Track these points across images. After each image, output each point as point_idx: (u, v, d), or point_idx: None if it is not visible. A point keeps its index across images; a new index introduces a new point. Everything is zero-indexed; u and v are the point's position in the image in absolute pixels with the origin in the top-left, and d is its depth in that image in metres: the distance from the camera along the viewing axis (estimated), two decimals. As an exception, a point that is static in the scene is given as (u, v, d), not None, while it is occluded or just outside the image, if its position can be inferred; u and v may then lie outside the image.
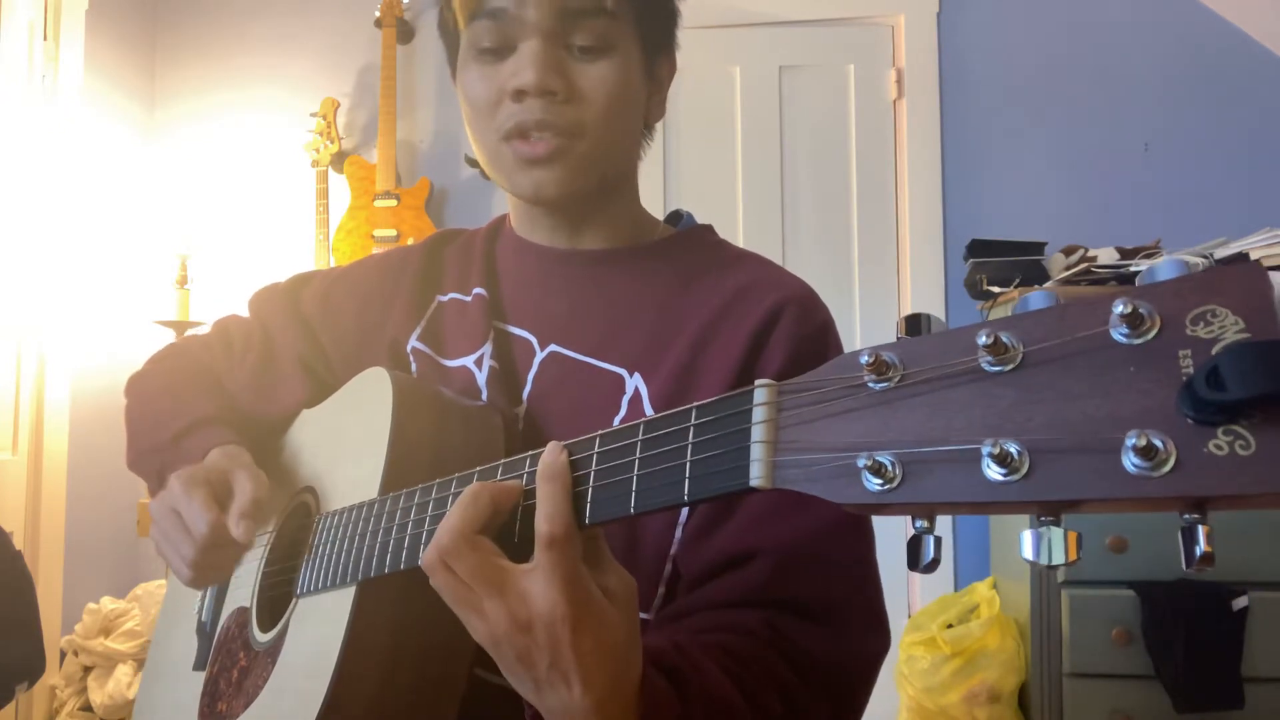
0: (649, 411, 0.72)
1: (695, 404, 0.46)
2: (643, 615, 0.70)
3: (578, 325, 0.79)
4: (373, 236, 2.63)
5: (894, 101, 2.65)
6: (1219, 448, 0.31)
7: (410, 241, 2.48)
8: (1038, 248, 2.31)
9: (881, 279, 2.63)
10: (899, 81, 2.64)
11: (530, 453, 0.54)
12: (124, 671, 2.33)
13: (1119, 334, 0.34)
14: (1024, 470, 0.34)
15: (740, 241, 1.80)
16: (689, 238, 0.84)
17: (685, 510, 0.71)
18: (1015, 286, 2.19)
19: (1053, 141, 2.56)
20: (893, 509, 0.37)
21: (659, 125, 0.84)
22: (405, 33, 2.76)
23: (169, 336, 2.51)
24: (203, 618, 0.86)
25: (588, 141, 0.73)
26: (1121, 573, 1.85)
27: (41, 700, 2.40)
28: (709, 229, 0.86)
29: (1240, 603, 1.80)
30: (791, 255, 2.62)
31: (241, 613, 0.80)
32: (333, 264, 2.60)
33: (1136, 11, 2.55)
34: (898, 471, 0.37)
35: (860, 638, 0.68)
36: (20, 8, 2.35)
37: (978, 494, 0.35)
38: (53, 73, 2.47)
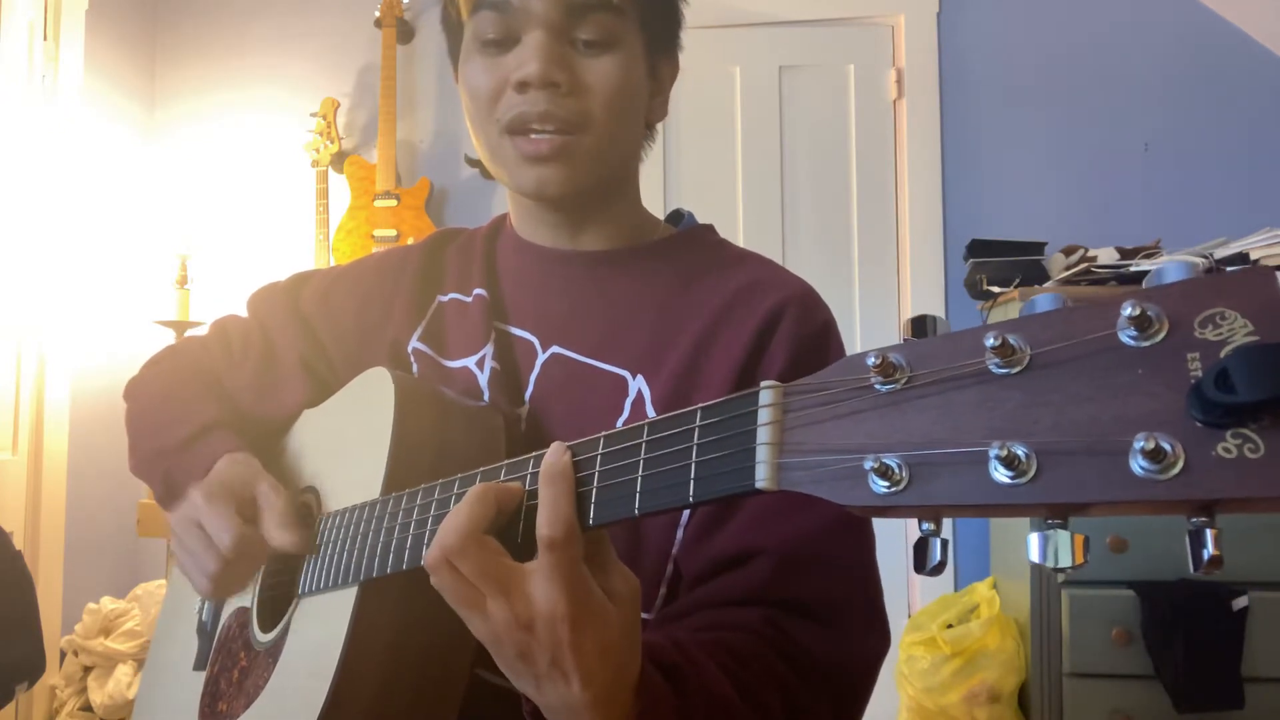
0: (651, 413, 0.72)
1: (700, 405, 0.46)
2: (644, 615, 0.70)
3: (579, 326, 0.78)
4: (373, 236, 2.63)
5: (894, 101, 2.65)
6: (1228, 451, 0.31)
7: (410, 241, 2.47)
8: (1038, 248, 2.31)
9: (881, 279, 2.62)
10: (899, 81, 2.63)
11: (534, 454, 0.54)
12: (124, 671, 2.33)
13: (1127, 336, 0.33)
14: (1031, 473, 0.34)
15: (740, 241, 1.79)
16: (690, 238, 0.84)
17: (687, 511, 0.71)
18: (1015, 286, 2.19)
19: (1053, 141, 2.56)
20: (899, 511, 0.37)
21: (659, 126, 0.84)
22: (405, 33, 2.76)
23: (169, 336, 2.51)
24: (203, 617, 0.86)
25: (591, 136, 0.72)
26: (1121, 573, 1.85)
27: (41, 700, 2.40)
28: (710, 229, 0.86)
29: (1240, 603, 1.80)
30: (791, 255, 2.62)
31: (242, 613, 0.80)
32: (333, 264, 2.60)
33: (1136, 11, 2.55)
34: (904, 474, 0.37)
35: (861, 638, 0.68)
36: (20, 8, 2.35)
37: (985, 496, 0.35)
38: (53, 73, 2.47)
